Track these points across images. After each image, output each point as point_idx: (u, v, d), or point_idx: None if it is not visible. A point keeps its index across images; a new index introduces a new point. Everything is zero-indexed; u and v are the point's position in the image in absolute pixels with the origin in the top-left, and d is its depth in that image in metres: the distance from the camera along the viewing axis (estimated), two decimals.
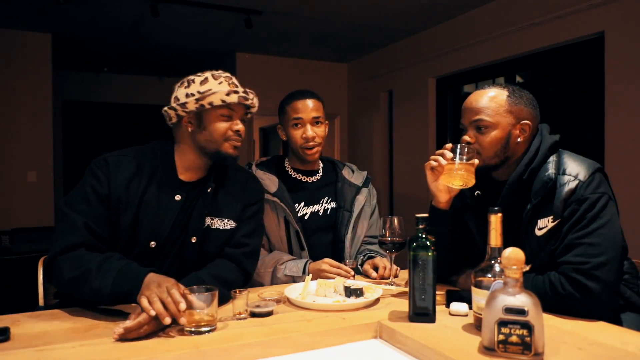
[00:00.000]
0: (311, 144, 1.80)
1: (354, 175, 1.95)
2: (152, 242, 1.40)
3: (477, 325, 1.10)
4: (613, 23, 3.07)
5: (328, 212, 1.87)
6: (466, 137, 1.40)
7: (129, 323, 1.05)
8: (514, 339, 0.93)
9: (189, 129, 1.44)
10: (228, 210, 1.51)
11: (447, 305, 1.27)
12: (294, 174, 1.89)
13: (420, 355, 1.04)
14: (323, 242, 1.85)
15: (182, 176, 1.47)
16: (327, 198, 1.89)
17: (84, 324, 1.18)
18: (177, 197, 1.44)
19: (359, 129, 5.88)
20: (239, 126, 1.46)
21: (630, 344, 1.02)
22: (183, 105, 1.41)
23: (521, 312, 0.92)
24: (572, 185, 1.26)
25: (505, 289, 0.95)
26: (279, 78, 5.57)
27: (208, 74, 1.45)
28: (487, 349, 0.96)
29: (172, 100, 1.46)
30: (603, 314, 1.20)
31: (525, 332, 0.92)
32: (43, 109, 4.68)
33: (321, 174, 1.93)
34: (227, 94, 1.41)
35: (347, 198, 1.88)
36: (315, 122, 1.81)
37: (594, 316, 1.19)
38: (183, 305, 1.08)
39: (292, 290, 1.43)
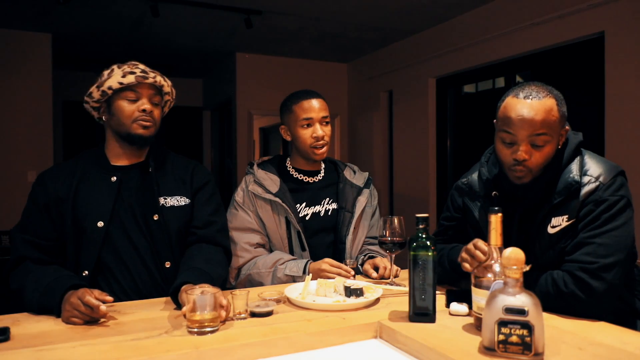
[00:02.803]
0: (321, 142, 1.80)
1: (355, 176, 1.95)
2: (99, 222, 1.46)
3: (477, 325, 1.10)
4: (613, 23, 3.07)
5: (329, 213, 1.87)
6: (523, 154, 1.26)
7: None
8: (514, 339, 0.93)
9: (104, 119, 1.53)
10: (178, 188, 1.59)
11: (447, 305, 1.27)
12: (295, 174, 1.89)
13: (420, 355, 1.04)
14: (324, 242, 1.85)
15: (115, 162, 1.55)
16: (328, 199, 1.89)
17: (84, 324, 1.18)
18: (113, 179, 1.51)
19: (359, 129, 5.87)
20: (145, 105, 1.49)
21: (630, 344, 1.02)
22: (89, 95, 1.49)
23: (521, 312, 0.92)
24: (592, 186, 1.26)
25: (505, 289, 0.95)
26: (279, 78, 5.57)
27: (115, 66, 1.52)
28: (487, 349, 0.96)
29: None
30: (603, 315, 1.20)
31: (525, 332, 0.92)
32: (43, 109, 4.68)
33: (323, 174, 1.93)
34: (123, 76, 1.47)
35: (349, 199, 1.88)
36: (324, 121, 1.82)
37: (595, 316, 1.19)
38: (103, 308, 1.16)
39: (292, 290, 1.43)
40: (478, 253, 1.19)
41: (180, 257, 1.53)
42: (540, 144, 1.26)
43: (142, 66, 1.51)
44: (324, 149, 1.82)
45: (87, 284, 1.31)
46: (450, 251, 1.49)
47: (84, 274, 1.43)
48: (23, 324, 1.20)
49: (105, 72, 1.51)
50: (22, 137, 4.60)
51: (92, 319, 1.18)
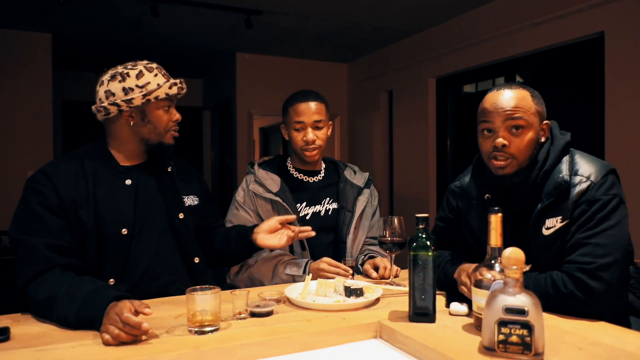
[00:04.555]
0: (311, 147, 1.80)
1: (355, 176, 1.96)
2: (124, 230, 1.41)
3: (477, 325, 1.10)
4: (613, 23, 3.07)
5: (329, 213, 1.87)
6: (502, 140, 1.30)
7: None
8: (514, 339, 0.93)
9: (131, 123, 1.46)
10: (189, 188, 1.61)
11: (447, 305, 1.27)
12: (295, 174, 1.89)
13: (420, 355, 1.04)
14: (324, 242, 1.85)
15: (124, 164, 1.50)
16: (328, 199, 1.89)
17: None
18: (128, 182, 1.46)
19: (359, 129, 5.87)
20: (177, 116, 1.52)
21: (631, 344, 1.02)
22: (129, 101, 1.42)
23: (521, 312, 0.92)
24: (584, 186, 1.26)
25: (505, 289, 0.95)
26: (279, 78, 5.56)
27: (140, 66, 1.46)
28: (487, 349, 0.96)
29: (104, 94, 1.44)
30: (604, 315, 1.20)
31: (525, 332, 0.92)
32: (43, 109, 4.67)
33: (323, 174, 1.93)
34: (170, 87, 1.46)
35: (349, 199, 1.88)
36: (316, 125, 1.81)
37: (595, 316, 1.19)
38: (146, 325, 1.03)
39: (292, 290, 1.43)
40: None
41: (203, 254, 1.57)
42: (518, 129, 1.30)
43: (164, 70, 1.51)
44: (315, 152, 1.82)
45: (131, 296, 1.18)
46: (446, 264, 1.48)
47: (110, 282, 1.37)
48: (23, 324, 1.20)
49: (133, 73, 1.43)
50: (22, 137, 4.59)
51: (131, 338, 1.04)
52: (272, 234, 1.55)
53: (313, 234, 1.55)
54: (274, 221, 1.55)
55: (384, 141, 5.46)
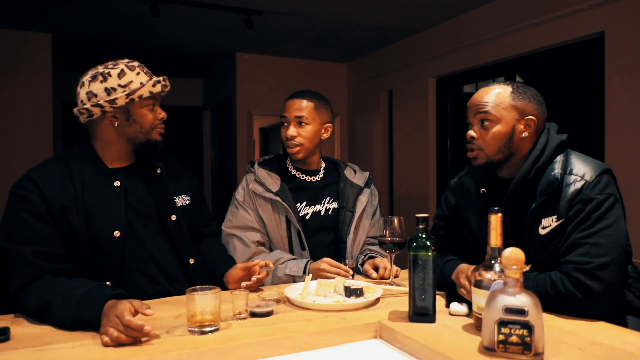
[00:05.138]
0: (290, 142, 1.81)
1: (356, 176, 1.96)
2: (116, 232, 1.39)
3: (477, 325, 1.10)
4: (613, 23, 3.07)
5: (330, 212, 1.87)
6: (471, 132, 1.41)
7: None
8: (514, 339, 0.93)
9: (115, 124, 1.42)
10: (179, 188, 1.59)
11: (447, 305, 1.27)
12: (294, 172, 1.89)
13: (420, 355, 1.04)
14: (324, 242, 1.85)
15: (112, 166, 1.47)
16: (328, 198, 1.89)
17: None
18: (116, 184, 1.43)
19: (359, 129, 5.87)
20: (163, 114, 1.50)
21: (631, 344, 1.02)
22: (112, 101, 1.38)
23: (521, 312, 0.92)
24: (578, 185, 1.26)
25: (505, 289, 0.95)
26: (279, 78, 5.56)
27: (121, 65, 1.43)
28: (487, 349, 0.96)
29: (85, 96, 1.40)
30: (604, 314, 1.20)
31: (525, 332, 0.92)
32: (43, 109, 4.67)
33: (323, 174, 1.93)
34: (153, 85, 1.43)
35: (349, 198, 1.88)
36: (298, 121, 1.80)
37: (595, 316, 1.19)
38: (148, 328, 1.03)
39: (292, 290, 1.43)
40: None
41: (197, 254, 1.57)
42: (486, 123, 1.38)
43: (146, 68, 1.48)
44: (295, 149, 1.81)
45: (127, 294, 1.19)
46: (444, 266, 1.48)
47: (106, 285, 1.34)
48: (23, 324, 1.20)
49: (114, 73, 1.40)
50: (22, 137, 4.59)
51: (131, 340, 1.04)
52: (238, 283, 1.52)
53: (271, 265, 1.54)
54: (237, 270, 1.53)
55: (384, 141, 5.46)
